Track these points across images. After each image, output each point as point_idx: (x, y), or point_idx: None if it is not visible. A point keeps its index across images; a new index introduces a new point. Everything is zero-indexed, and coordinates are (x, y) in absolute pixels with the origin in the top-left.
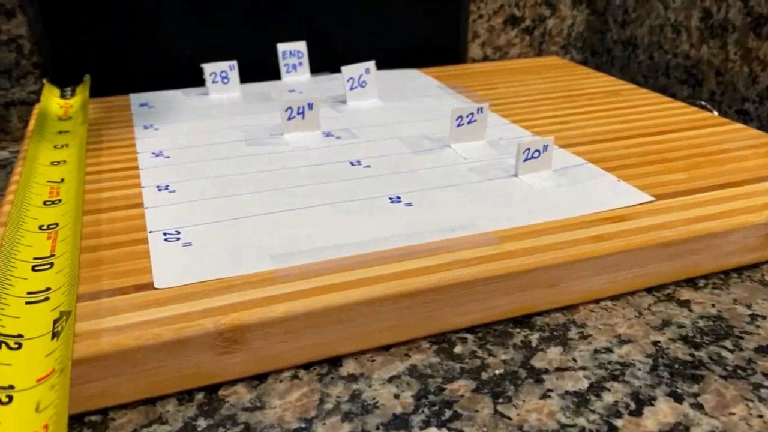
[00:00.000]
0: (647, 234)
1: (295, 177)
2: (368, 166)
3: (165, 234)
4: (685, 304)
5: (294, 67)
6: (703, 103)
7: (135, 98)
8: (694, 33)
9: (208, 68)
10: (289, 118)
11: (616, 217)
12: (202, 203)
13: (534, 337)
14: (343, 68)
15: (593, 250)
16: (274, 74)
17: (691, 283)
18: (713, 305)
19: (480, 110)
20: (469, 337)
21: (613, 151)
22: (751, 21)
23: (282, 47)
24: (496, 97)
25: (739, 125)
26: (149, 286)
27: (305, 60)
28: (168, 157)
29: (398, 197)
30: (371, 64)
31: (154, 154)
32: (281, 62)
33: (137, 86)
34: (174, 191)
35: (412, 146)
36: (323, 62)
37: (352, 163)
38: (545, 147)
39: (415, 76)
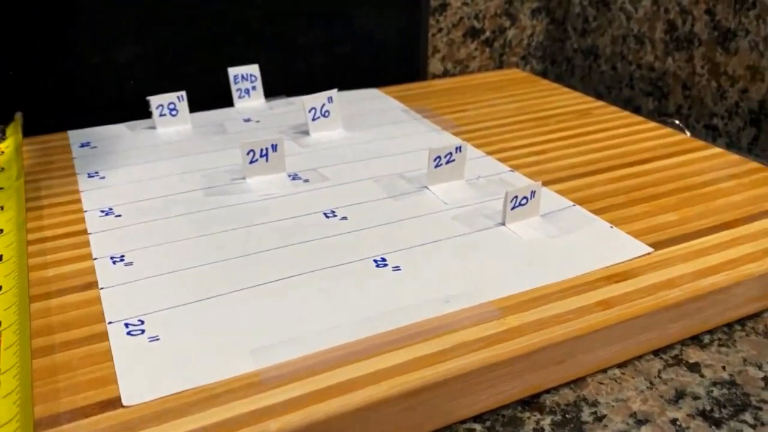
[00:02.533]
0: (655, 296)
1: (264, 237)
2: (344, 218)
3: (127, 325)
4: (695, 368)
5: (247, 92)
6: (677, 122)
7: (74, 137)
8: (659, 45)
9: (155, 101)
10: (251, 162)
11: (618, 275)
12: (162, 280)
13: (546, 423)
14: (304, 99)
15: (602, 320)
16: (225, 100)
17: (696, 340)
18: (723, 367)
19: (459, 149)
20: (477, 428)
21: (597, 188)
22: (718, 35)
23: (233, 71)
24: (465, 122)
25: (718, 149)
26: (116, 402)
27: (259, 84)
28: (119, 215)
29: (383, 259)
30: (333, 93)
31: (102, 212)
32: (233, 87)
33: (75, 122)
34: (131, 263)
35: (388, 189)
36: (277, 84)
37: (326, 215)
38: (533, 193)
39: (376, 98)
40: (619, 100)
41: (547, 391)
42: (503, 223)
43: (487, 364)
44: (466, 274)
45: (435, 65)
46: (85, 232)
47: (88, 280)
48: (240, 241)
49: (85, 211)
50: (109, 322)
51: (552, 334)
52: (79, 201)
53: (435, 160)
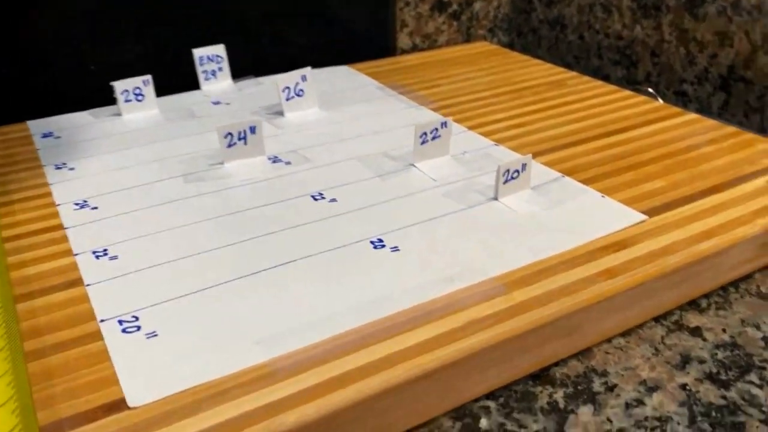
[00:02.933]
0: (655, 263)
1: (253, 223)
2: (334, 200)
3: (121, 322)
4: (697, 332)
5: (213, 73)
6: (650, 90)
7: (35, 127)
8: (626, 13)
9: (120, 86)
10: (229, 146)
11: (616, 244)
12: (152, 273)
13: (559, 396)
14: (277, 78)
15: (607, 289)
16: (190, 82)
17: (694, 305)
18: (724, 330)
19: (444, 124)
20: (491, 405)
21: (582, 158)
22: (686, 1)
23: (198, 52)
24: (441, 97)
25: (693, 115)
26: (121, 404)
27: (225, 65)
28: (95, 207)
29: (380, 240)
30: (307, 71)
31: (77, 204)
32: (198, 69)
33: (35, 110)
34: (115, 257)
35: (374, 168)
36: (244, 64)
37: (314, 197)
38: (524, 166)
39: (348, 75)
40: (588, 69)
41: (556, 364)
42: (496, 198)
43: (499, 340)
44: (466, 252)
45: (403, 40)
46: (61, 227)
47: (71, 277)
48: (228, 229)
49: (58, 205)
50: (101, 320)
51: (561, 306)
52: (49, 194)
53: (421, 136)
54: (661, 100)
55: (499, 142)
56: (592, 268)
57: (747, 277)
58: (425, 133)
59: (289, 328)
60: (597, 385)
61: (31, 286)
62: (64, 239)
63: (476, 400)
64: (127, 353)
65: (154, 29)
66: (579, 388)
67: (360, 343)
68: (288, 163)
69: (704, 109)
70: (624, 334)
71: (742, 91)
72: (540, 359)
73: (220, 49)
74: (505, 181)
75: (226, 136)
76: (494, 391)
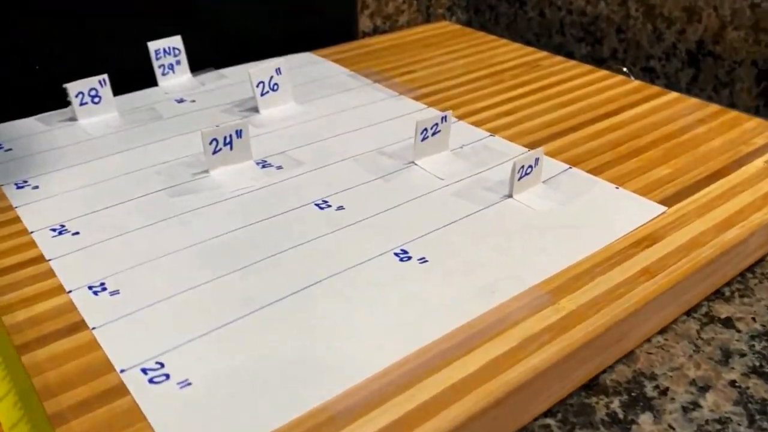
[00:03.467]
0: (689, 258)
1: (259, 240)
2: (341, 208)
3: (145, 371)
4: (729, 323)
5: (171, 67)
6: (624, 69)
7: None
8: None
9: (74, 88)
10: (215, 152)
11: (645, 239)
12: (163, 308)
13: (615, 406)
14: (250, 71)
15: (652, 290)
16: (145, 78)
17: (718, 294)
18: (753, 319)
19: (444, 119)
20: (551, 422)
21: (581, 146)
22: None
23: (154, 45)
24: (418, 84)
25: (674, 94)
26: None
27: (183, 58)
28: (76, 233)
29: (404, 251)
30: (281, 62)
31: (54, 230)
32: (155, 64)
33: None
34: (116, 292)
35: (374, 169)
36: (201, 56)
37: (318, 206)
38: (536, 161)
39: (314, 63)
40: (550, 47)
41: (603, 371)
42: (510, 195)
43: (562, 356)
44: (496, 258)
45: (364, 22)
46: (42, 258)
47: (72, 320)
48: (235, 249)
49: (31, 232)
50: (122, 370)
51: (613, 312)
52: (17, 219)
53: (422, 133)
54: (633, 78)
55: (493, 131)
56: (630, 268)
57: (760, 261)
58: (426, 129)
59: (333, 365)
60: (649, 389)
61: (27, 335)
62: (50, 273)
63: (535, 419)
64: (164, 410)
65: (101, 21)
66: (632, 395)
67: (416, 374)
68: (279, 167)
69: (672, 85)
70: (661, 332)
71: (711, 66)
72: (591, 368)
73: (176, 41)
74: (520, 178)
75: (211, 143)
76: (551, 407)
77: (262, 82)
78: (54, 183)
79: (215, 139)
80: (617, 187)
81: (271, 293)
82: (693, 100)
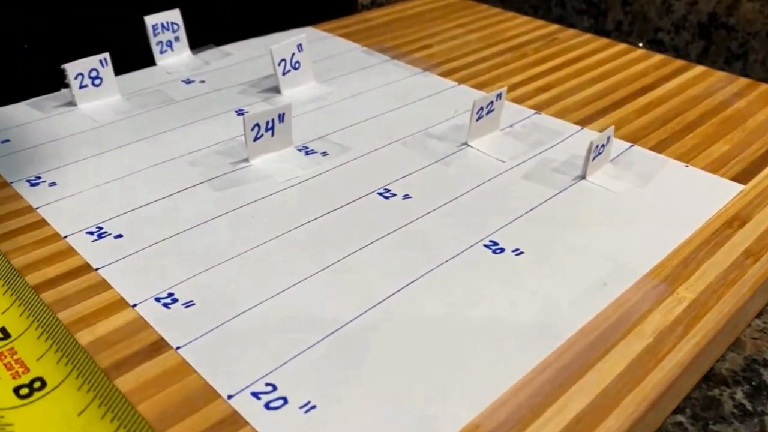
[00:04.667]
0: None
1: (337, 236)
2: (408, 197)
3: (257, 395)
4: None
5: (169, 44)
6: (640, 45)
7: None
8: None
9: (73, 68)
10: (256, 139)
11: (734, 219)
12: (250, 319)
13: (740, 397)
14: (272, 48)
15: (761, 273)
16: (140, 57)
17: None
18: None
19: (499, 97)
20: (683, 419)
21: (632, 123)
22: None
23: (151, 20)
24: (439, 59)
25: (700, 67)
26: None
27: (182, 33)
28: (119, 236)
29: (494, 242)
30: (302, 38)
31: (90, 234)
32: (152, 41)
33: None
34: (191, 303)
35: (428, 153)
36: (195, 32)
37: (382, 195)
38: (608, 140)
39: (320, 39)
40: (548, 19)
41: (717, 360)
42: (583, 177)
43: (700, 348)
44: (590, 245)
45: None
46: (89, 267)
47: (150, 339)
48: (311, 245)
49: (65, 237)
50: (229, 396)
51: (734, 299)
52: (43, 222)
53: (478, 112)
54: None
55: (536, 109)
56: (731, 251)
57: None
58: (482, 108)
59: (469, 377)
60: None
61: (109, 355)
62: (105, 285)
63: (666, 416)
64: None
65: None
66: (753, 383)
67: (557, 382)
68: (325, 153)
69: (681, 57)
70: (758, 315)
71: (723, 38)
72: (708, 360)
73: (175, 15)
74: (594, 158)
75: (253, 128)
76: (678, 403)
77: (284, 60)
78: (73, 178)
79: (257, 125)
80: (686, 165)
81: (366, 298)
82: (720, 74)
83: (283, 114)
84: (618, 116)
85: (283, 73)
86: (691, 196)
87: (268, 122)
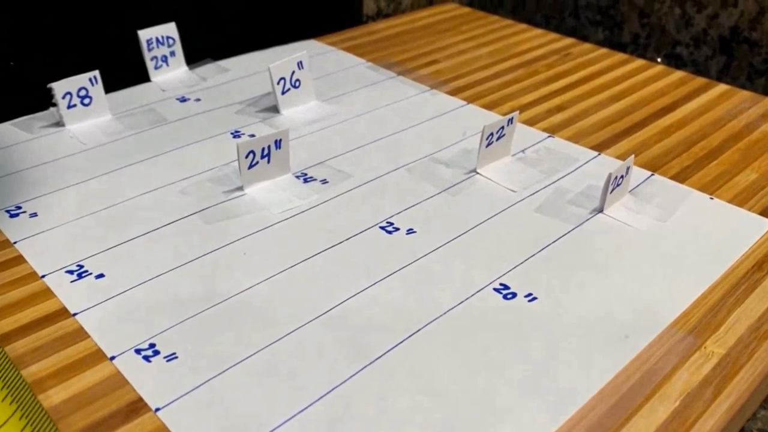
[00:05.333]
0: None
1: (333, 275)
2: (412, 231)
3: None
4: None
5: (165, 59)
6: (658, 60)
7: None
8: None
9: (60, 87)
10: (251, 166)
11: (765, 261)
12: (239, 376)
13: None
14: (271, 67)
15: None
16: (134, 73)
17: None
18: None
19: (510, 121)
20: None
21: (652, 147)
22: None
23: (145, 34)
24: (447, 76)
25: (722, 86)
26: None
27: (178, 48)
28: (101, 275)
29: (504, 285)
30: (303, 56)
31: (70, 272)
32: (147, 56)
33: None
34: (173, 356)
35: (434, 180)
36: (194, 46)
37: (385, 230)
38: (627, 170)
39: (323, 53)
40: (561, 31)
41: (746, 420)
42: (601, 210)
43: (731, 415)
44: (611, 289)
45: (368, 5)
46: (65, 312)
47: (127, 398)
48: (306, 286)
49: (42, 276)
50: None
51: (767, 358)
52: (21, 259)
53: (488, 138)
54: (667, 67)
55: (549, 132)
56: (764, 296)
57: None
58: (492, 134)
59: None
60: None
61: (83, 417)
62: (82, 333)
63: None
64: None
65: (80, 6)
66: None
67: None
68: (325, 181)
69: (701, 73)
70: None
71: (745, 54)
72: (741, 422)
73: (171, 29)
74: (612, 190)
75: (247, 156)
76: None
77: (283, 79)
78: (55, 208)
79: (252, 152)
80: (711, 197)
81: (360, 352)
82: (744, 93)
83: (280, 140)
84: (637, 140)
85: (283, 92)
86: (717, 232)
87: (264, 149)
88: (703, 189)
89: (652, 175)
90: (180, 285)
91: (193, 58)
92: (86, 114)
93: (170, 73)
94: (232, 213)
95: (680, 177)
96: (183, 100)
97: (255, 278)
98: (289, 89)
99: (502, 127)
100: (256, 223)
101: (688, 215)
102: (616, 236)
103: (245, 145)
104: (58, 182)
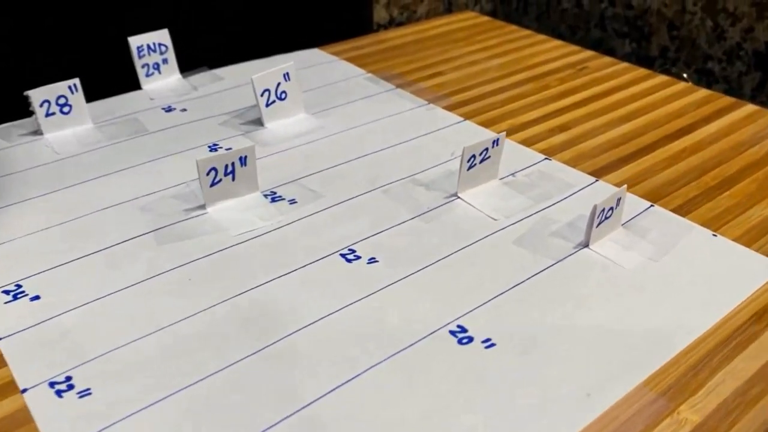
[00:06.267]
0: None
1: (277, 310)
2: (374, 260)
3: None
4: None
5: (156, 67)
6: (684, 76)
7: None
8: None
9: (38, 95)
10: (213, 184)
11: (766, 311)
12: (145, 417)
13: None
14: (254, 78)
15: None
16: (125, 80)
17: None
18: None
19: (495, 143)
20: None
21: (657, 175)
22: None
23: (136, 41)
24: (449, 89)
25: (751, 106)
26: None
27: (171, 55)
28: (36, 297)
29: (462, 328)
30: (290, 67)
31: (6, 293)
32: (137, 63)
33: None
34: (87, 392)
35: (410, 205)
36: (190, 53)
37: (345, 257)
38: (618, 201)
39: (325, 63)
40: (586, 42)
41: None
42: (587, 245)
43: None
44: (581, 340)
45: (379, 13)
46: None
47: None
48: (246, 327)
49: None
50: None
51: (753, 427)
52: None
53: (469, 160)
54: (689, 82)
55: (548, 154)
56: (759, 355)
57: None
58: (473, 156)
59: None
60: None
61: None
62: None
63: None
64: None
65: (73, 21)
66: None
67: None
68: (293, 201)
69: (733, 91)
70: None
71: None
72: None
73: (163, 36)
74: (599, 224)
75: (209, 173)
76: None
77: (268, 90)
78: (11, 223)
79: (214, 169)
80: (714, 234)
81: (295, 394)
82: None
83: (245, 157)
84: (642, 166)
85: (267, 105)
86: (715, 276)
87: (227, 166)
88: (707, 224)
89: (652, 206)
90: (115, 311)
91: (198, 63)
92: (66, 122)
93: (162, 81)
94: (188, 234)
95: (683, 209)
96: (169, 109)
97: (194, 308)
98: (274, 101)
99: (486, 149)
100: (210, 245)
101: (684, 254)
102: (598, 275)
103: (206, 161)
104: (21, 193)
